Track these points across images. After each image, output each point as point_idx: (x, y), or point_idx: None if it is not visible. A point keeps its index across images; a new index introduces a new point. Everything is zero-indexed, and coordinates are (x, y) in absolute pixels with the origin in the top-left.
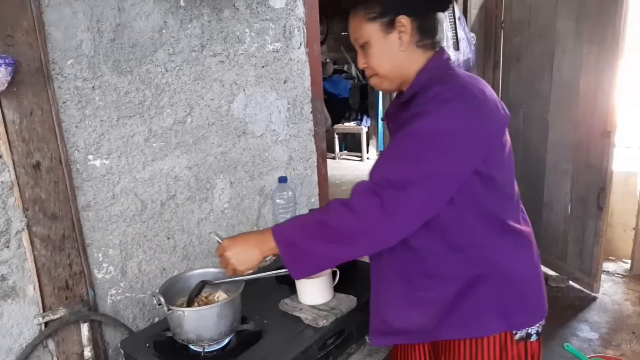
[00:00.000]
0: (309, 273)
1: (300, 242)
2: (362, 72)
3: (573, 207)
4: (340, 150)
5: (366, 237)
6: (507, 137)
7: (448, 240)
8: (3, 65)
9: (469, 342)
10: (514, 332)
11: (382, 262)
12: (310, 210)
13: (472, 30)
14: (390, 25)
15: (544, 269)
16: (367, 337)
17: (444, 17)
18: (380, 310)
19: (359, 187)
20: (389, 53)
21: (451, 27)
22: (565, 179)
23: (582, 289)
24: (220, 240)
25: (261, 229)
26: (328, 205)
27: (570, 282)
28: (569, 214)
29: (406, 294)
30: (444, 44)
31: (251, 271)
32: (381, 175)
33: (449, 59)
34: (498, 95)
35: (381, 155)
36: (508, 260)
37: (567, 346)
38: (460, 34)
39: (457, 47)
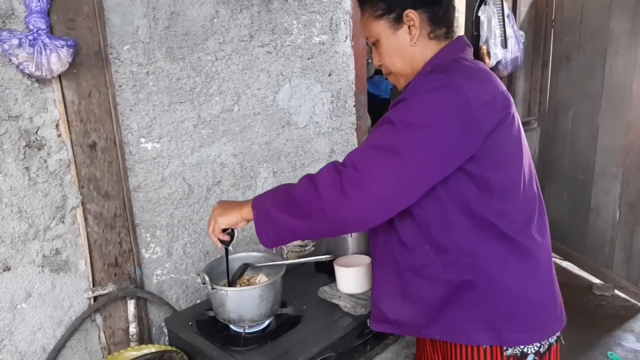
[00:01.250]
0: (274, 242)
1: (270, 211)
2: None
3: (622, 213)
4: None
5: (322, 212)
6: (512, 135)
7: (434, 239)
8: (65, 47)
9: (461, 347)
10: (505, 347)
11: (379, 253)
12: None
13: (521, 29)
14: (398, 21)
15: (588, 276)
16: (368, 321)
17: (493, 14)
18: (377, 298)
19: (328, 165)
20: (400, 49)
21: (500, 25)
22: (615, 183)
23: (628, 298)
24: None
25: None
26: (301, 178)
27: (616, 291)
28: (617, 220)
29: (398, 287)
30: (492, 41)
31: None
32: (350, 156)
33: (461, 47)
34: (545, 96)
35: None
36: (501, 271)
37: (611, 355)
38: (509, 31)
39: (505, 45)
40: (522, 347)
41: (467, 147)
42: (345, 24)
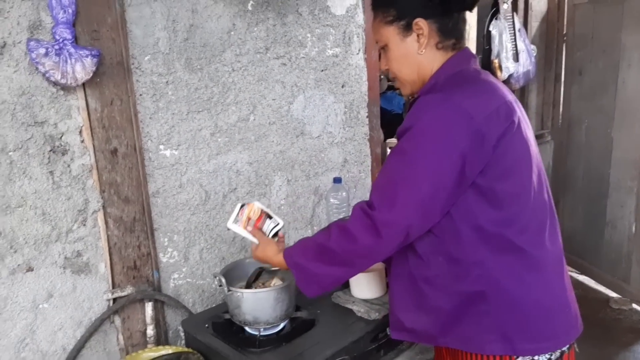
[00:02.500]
0: (318, 292)
1: (308, 266)
2: None
3: (638, 226)
4: None
5: (363, 258)
6: (519, 143)
7: (446, 251)
8: (90, 56)
9: (475, 355)
10: (517, 357)
11: (395, 263)
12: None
13: (532, 43)
14: (408, 29)
15: (605, 290)
16: (387, 330)
17: (504, 29)
18: (394, 308)
19: (355, 210)
20: (407, 56)
21: (511, 39)
22: (630, 196)
23: None
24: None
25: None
26: (329, 229)
27: (634, 305)
28: (634, 234)
29: (413, 297)
30: (503, 55)
31: None
32: (373, 196)
33: (466, 58)
34: (558, 109)
35: (380, 170)
36: (512, 282)
37: None
38: (520, 45)
39: (516, 58)
40: (534, 356)
41: (478, 162)
42: (358, 37)
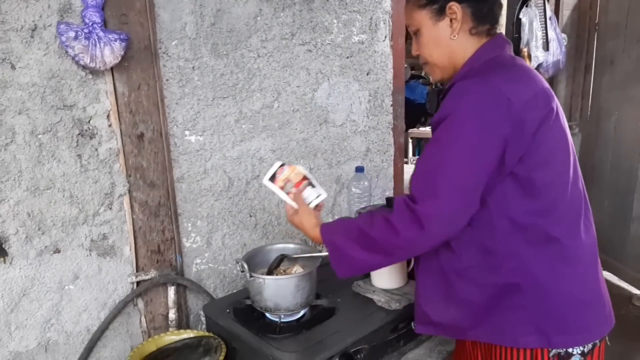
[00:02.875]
0: (350, 274)
1: (346, 249)
2: None
3: None
4: (414, 155)
5: (404, 249)
6: (556, 131)
7: (481, 243)
8: (118, 41)
9: (505, 348)
10: (551, 349)
11: (423, 256)
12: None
13: (563, 32)
14: (441, 13)
15: (628, 286)
16: (412, 324)
17: (534, 16)
18: (421, 300)
19: (398, 204)
20: (439, 41)
21: (541, 27)
22: None
23: None
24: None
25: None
26: (372, 217)
27: None
28: None
29: (442, 289)
30: (533, 44)
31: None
32: (413, 189)
33: (500, 45)
34: (587, 101)
35: (417, 162)
36: (546, 274)
37: None
38: (551, 34)
39: (546, 47)
40: (568, 348)
41: (518, 148)
42: (384, 23)
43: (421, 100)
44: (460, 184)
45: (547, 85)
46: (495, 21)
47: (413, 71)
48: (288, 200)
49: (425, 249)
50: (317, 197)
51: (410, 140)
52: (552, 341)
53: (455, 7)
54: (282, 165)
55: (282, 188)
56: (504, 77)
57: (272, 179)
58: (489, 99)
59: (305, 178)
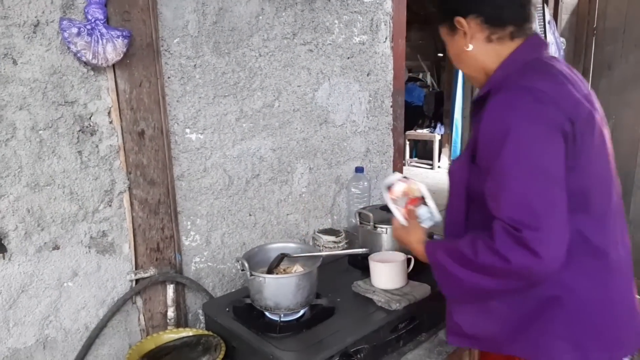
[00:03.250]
0: (458, 297)
1: (451, 269)
2: (438, 80)
3: None
4: (411, 157)
5: (519, 278)
6: (600, 140)
7: None
8: (121, 37)
9: None
10: None
11: None
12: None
13: (562, 35)
14: (453, 28)
15: None
16: (444, 335)
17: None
18: (454, 311)
19: (499, 232)
20: (459, 53)
21: (540, 30)
22: None
23: None
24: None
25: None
26: (474, 244)
27: None
28: None
29: (476, 300)
30: None
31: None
32: (511, 214)
33: (536, 47)
34: None
35: (493, 182)
36: (590, 287)
37: None
38: (550, 37)
39: None
40: None
41: (570, 154)
42: (385, 24)
43: (418, 103)
44: (554, 200)
45: (588, 89)
46: (520, 21)
47: (410, 73)
48: (397, 214)
49: (543, 276)
50: (429, 218)
51: (407, 142)
52: (589, 357)
53: (461, 21)
54: (404, 177)
55: (395, 201)
56: (545, 81)
57: (388, 188)
58: (538, 108)
59: (421, 198)
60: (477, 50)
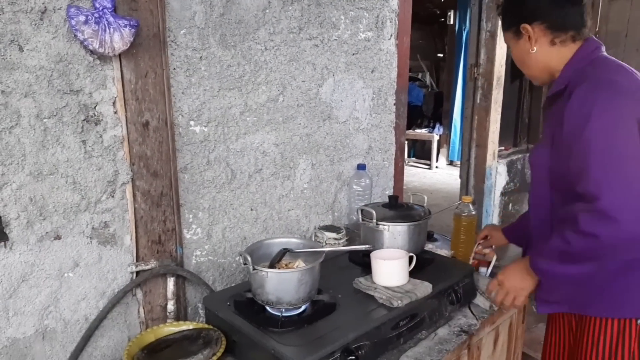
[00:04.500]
0: (565, 292)
1: (554, 269)
2: (437, 80)
3: None
4: (409, 156)
5: (613, 249)
6: None
7: None
8: (128, 27)
9: (596, 319)
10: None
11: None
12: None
13: None
14: (518, 33)
15: None
16: (533, 305)
17: None
18: (542, 283)
19: (580, 214)
20: (524, 56)
21: None
22: None
23: None
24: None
25: (522, 260)
26: (563, 236)
27: None
28: None
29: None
30: None
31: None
32: (586, 190)
33: (595, 48)
34: None
35: (575, 160)
36: None
37: None
38: None
39: None
40: None
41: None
42: (391, 22)
43: (417, 103)
44: (627, 174)
45: None
46: (579, 26)
47: (410, 73)
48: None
49: (629, 241)
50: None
51: (405, 142)
52: None
53: (527, 27)
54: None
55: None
56: (619, 73)
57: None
58: (612, 94)
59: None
60: (541, 52)
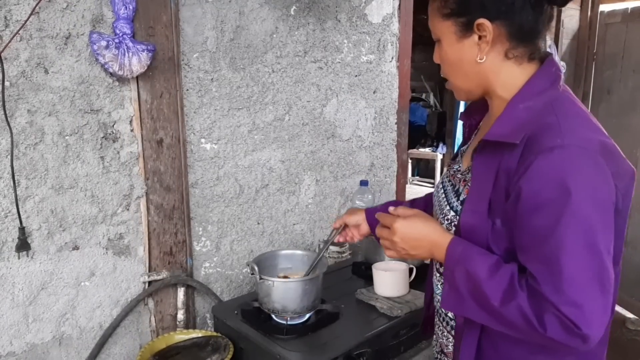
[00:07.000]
0: (459, 313)
1: (466, 296)
2: (441, 101)
3: None
4: (413, 175)
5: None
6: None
7: None
8: (146, 51)
9: None
10: None
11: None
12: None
13: (562, 60)
14: (468, 28)
15: (622, 310)
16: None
17: None
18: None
19: (550, 320)
20: (462, 62)
21: None
22: None
23: None
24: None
25: (435, 232)
26: (514, 296)
27: None
28: None
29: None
30: None
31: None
32: (568, 297)
33: (553, 82)
34: None
35: (542, 253)
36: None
37: None
38: None
39: None
40: None
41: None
42: (392, 45)
43: (421, 122)
44: (610, 280)
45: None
46: (538, 40)
47: (414, 94)
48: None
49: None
50: None
51: (409, 161)
52: None
53: (486, 24)
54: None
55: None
56: (596, 138)
57: None
58: (599, 183)
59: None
60: (490, 64)
